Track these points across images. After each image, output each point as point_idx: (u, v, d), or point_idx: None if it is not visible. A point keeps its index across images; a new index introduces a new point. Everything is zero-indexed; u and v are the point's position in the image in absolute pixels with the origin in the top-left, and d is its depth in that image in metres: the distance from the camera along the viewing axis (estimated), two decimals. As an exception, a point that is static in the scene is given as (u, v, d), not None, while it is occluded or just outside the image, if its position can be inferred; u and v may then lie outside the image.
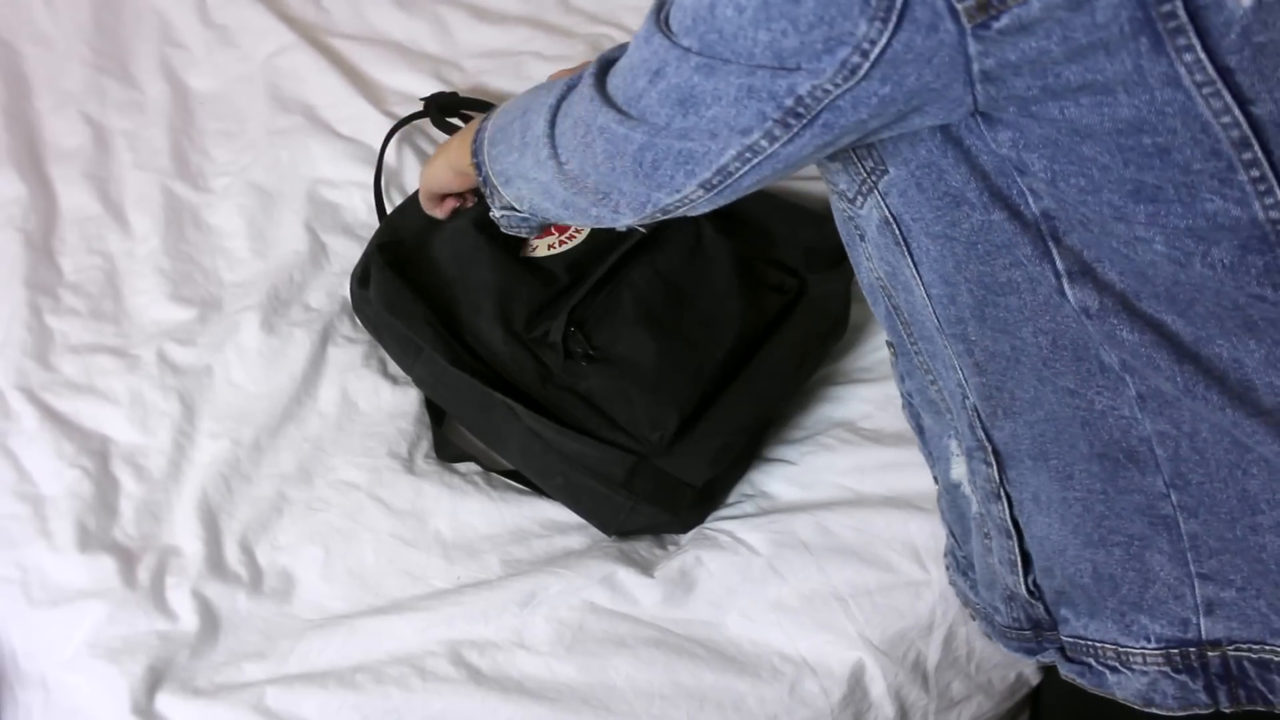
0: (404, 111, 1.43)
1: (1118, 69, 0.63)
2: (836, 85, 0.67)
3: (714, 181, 0.75)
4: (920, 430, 0.95)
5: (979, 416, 0.82)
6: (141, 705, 1.04)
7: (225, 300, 1.33)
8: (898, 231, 0.77)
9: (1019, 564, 0.86)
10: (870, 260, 0.83)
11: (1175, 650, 0.80)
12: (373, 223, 1.37)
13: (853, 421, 1.21)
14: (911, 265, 0.78)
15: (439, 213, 1.22)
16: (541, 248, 1.24)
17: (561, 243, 1.24)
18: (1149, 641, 0.81)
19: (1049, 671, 1.16)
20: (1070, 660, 0.87)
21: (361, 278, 1.26)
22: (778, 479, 1.18)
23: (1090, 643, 0.84)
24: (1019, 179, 0.70)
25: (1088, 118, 0.65)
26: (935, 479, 0.96)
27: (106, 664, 1.06)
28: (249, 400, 1.24)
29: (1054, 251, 0.72)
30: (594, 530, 1.16)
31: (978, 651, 1.11)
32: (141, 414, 1.23)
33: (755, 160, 0.73)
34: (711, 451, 1.13)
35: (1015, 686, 1.16)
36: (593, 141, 0.79)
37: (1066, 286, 0.72)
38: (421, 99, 1.40)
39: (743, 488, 1.19)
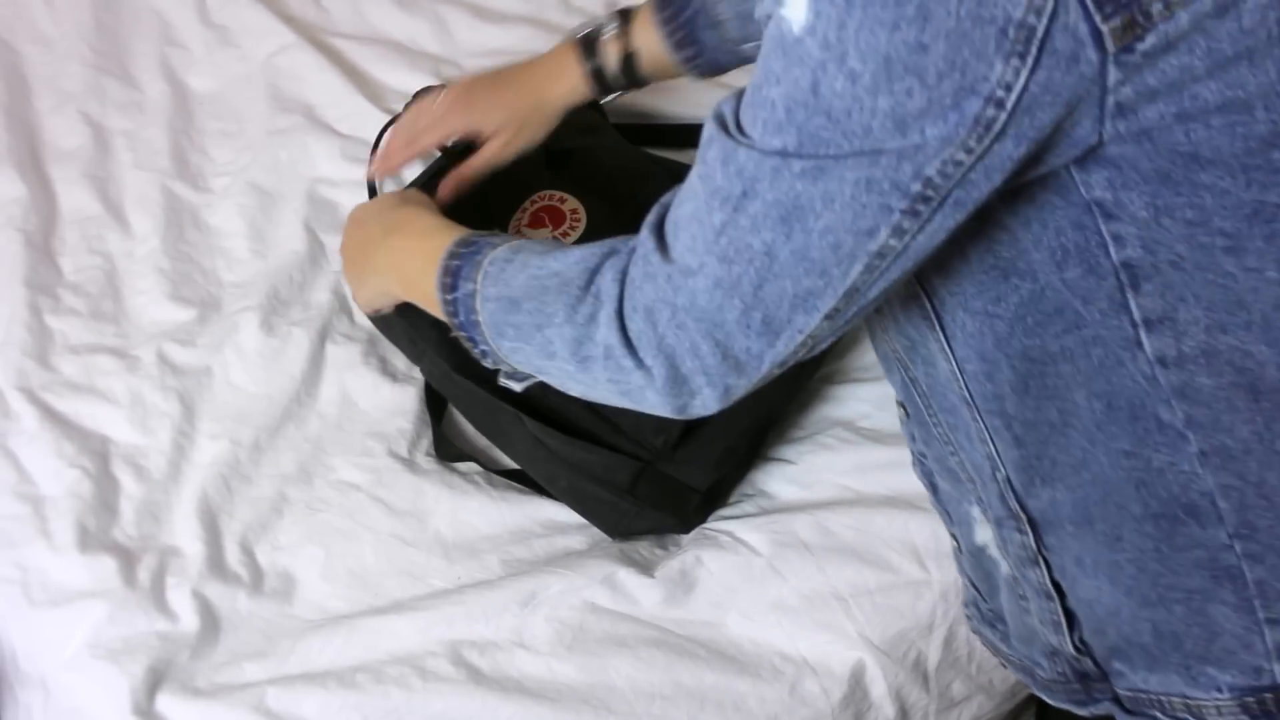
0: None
1: (1260, 80, 0.61)
2: (969, 152, 0.60)
3: (839, 307, 0.66)
4: (934, 489, 0.91)
5: (1012, 488, 0.78)
6: (142, 705, 1.04)
7: (225, 300, 1.33)
8: (929, 307, 0.73)
9: (1063, 624, 0.83)
10: (886, 333, 0.79)
11: (1251, 699, 0.77)
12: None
13: (853, 421, 1.21)
14: (942, 341, 0.74)
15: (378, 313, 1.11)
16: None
17: (556, 238, 1.23)
18: (1221, 692, 0.78)
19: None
20: (1130, 712, 0.83)
21: None
22: (778, 479, 1.18)
23: (1154, 695, 0.81)
24: (1103, 226, 0.66)
25: (1217, 139, 0.62)
26: (953, 536, 0.92)
27: (107, 664, 1.06)
28: (249, 400, 1.24)
29: (1131, 302, 0.68)
30: (594, 530, 1.16)
31: (978, 652, 1.11)
32: (141, 414, 1.23)
33: (884, 265, 0.64)
34: (715, 455, 1.13)
35: (1016, 687, 1.16)
36: (684, 324, 0.68)
37: (1144, 336, 0.68)
38: (415, 93, 1.39)
39: (743, 487, 1.19)
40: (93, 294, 1.34)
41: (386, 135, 1.26)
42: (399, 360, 1.27)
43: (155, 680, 1.05)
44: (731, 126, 0.65)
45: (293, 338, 1.27)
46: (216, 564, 1.13)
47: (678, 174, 1.28)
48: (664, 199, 0.72)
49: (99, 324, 1.31)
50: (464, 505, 1.16)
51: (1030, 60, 0.58)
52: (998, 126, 0.59)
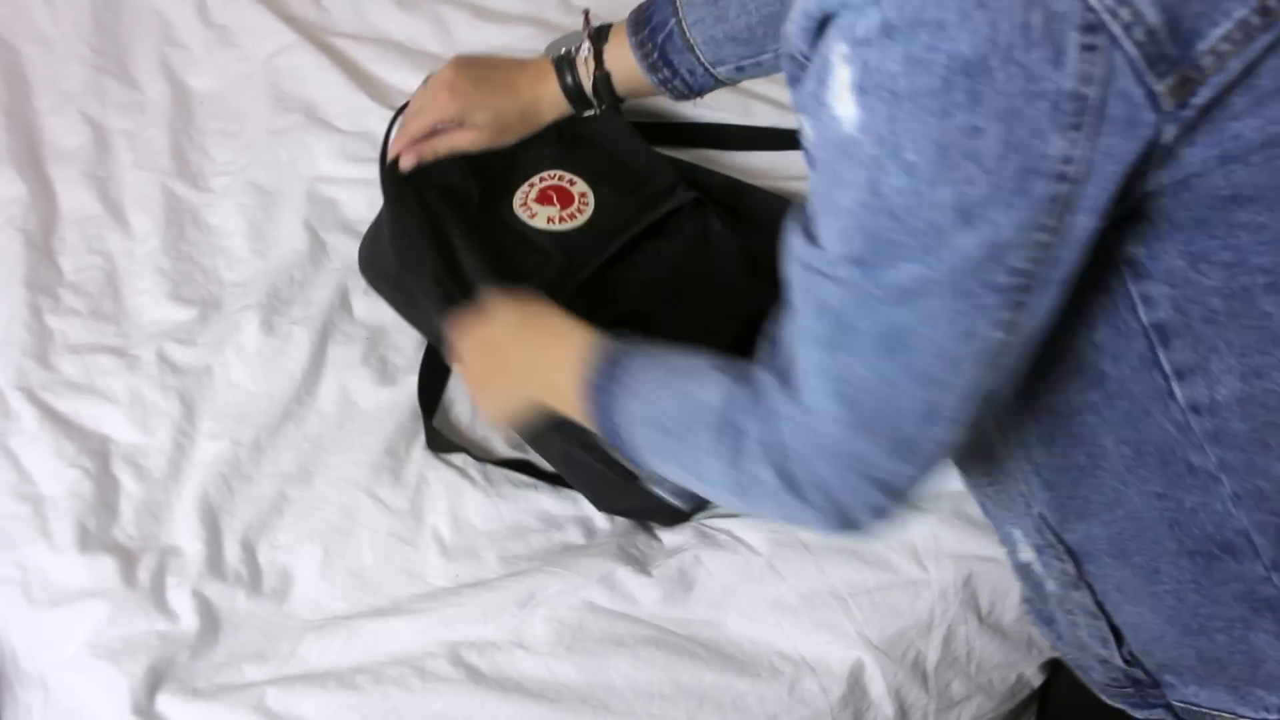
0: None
1: None
2: (1049, 231, 0.59)
3: (967, 409, 0.65)
4: (983, 506, 0.90)
5: (1046, 523, 0.78)
6: (142, 705, 1.04)
7: (225, 300, 1.33)
8: None
9: (1111, 640, 0.82)
10: None
11: None
12: (372, 218, 1.37)
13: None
14: None
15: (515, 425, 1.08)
16: (541, 218, 1.24)
17: (562, 219, 1.24)
18: (1270, 713, 0.77)
19: (1055, 671, 1.16)
20: None
21: (374, 237, 1.27)
22: (777, 478, 1.18)
23: (1205, 710, 0.80)
24: (1133, 287, 0.65)
25: (1257, 176, 0.61)
26: (1002, 543, 0.91)
27: (107, 664, 1.06)
28: (249, 400, 1.24)
29: (1162, 358, 0.67)
30: (592, 526, 1.16)
31: (977, 651, 1.11)
32: (141, 414, 1.23)
33: (1001, 357, 0.63)
34: None
35: (1016, 688, 1.16)
36: (830, 462, 0.68)
37: (1176, 386, 0.68)
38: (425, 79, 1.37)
39: (743, 487, 1.19)
40: (93, 294, 1.34)
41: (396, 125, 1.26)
42: (399, 360, 1.28)
43: (155, 680, 1.05)
44: (802, 244, 0.64)
45: (293, 337, 1.28)
46: (216, 564, 1.13)
47: (683, 171, 1.29)
48: (772, 333, 0.71)
49: (99, 324, 1.31)
50: (461, 503, 1.16)
51: (1087, 130, 0.57)
52: (1068, 200, 0.58)
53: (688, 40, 1.08)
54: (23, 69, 1.55)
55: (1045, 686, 1.19)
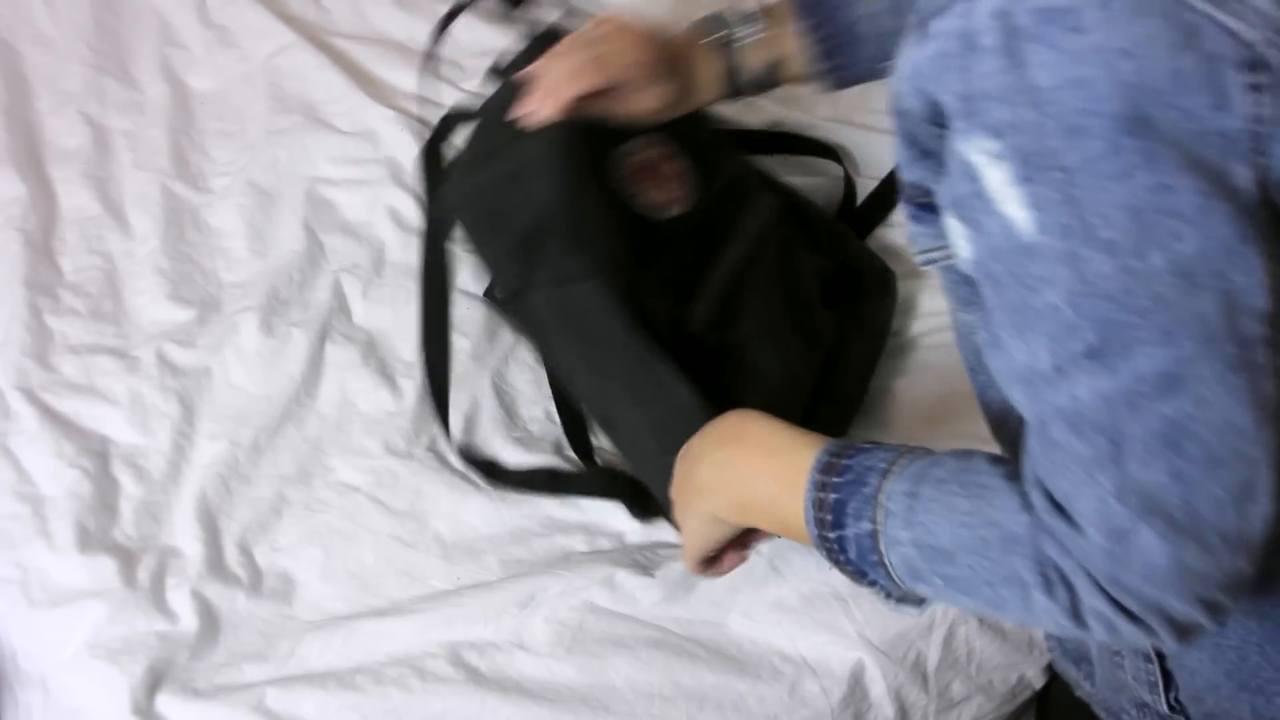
0: (409, 107, 1.43)
1: None
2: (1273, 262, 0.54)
3: (1277, 473, 0.58)
4: None
5: None
6: (141, 706, 1.04)
7: (224, 301, 1.33)
8: None
9: (1160, 685, 0.79)
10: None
11: None
12: (371, 220, 1.37)
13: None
14: None
15: (716, 572, 0.91)
16: (640, 202, 1.12)
17: (660, 206, 1.13)
18: None
19: (1057, 673, 1.16)
20: None
21: (502, 187, 1.09)
22: (778, 479, 1.18)
23: None
24: None
25: None
26: None
27: (106, 664, 1.06)
28: (248, 401, 1.24)
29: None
30: (594, 529, 1.16)
31: (978, 652, 1.11)
32: (141, 415, 1.23)
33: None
34: None
35: (1017, 689, 1.16)
36: (1155, 583, 0.60)
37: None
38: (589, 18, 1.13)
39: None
40: (93, 294, 1.34)
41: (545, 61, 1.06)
42: (398, 360, 1.27)
43: (155, 680, 1.05)
44: (1023, 368, 0.60)
45: (292, 338, 1.28)
46: (216, 564, 1.13)
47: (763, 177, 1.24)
48: (1028, 472, 0.64)
49: (99, 324, 1.31)
50: (463, 505, 1.16)
51: (1264, 155, 0.54)
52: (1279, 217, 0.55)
53: (856, 35, 1.02)
54: (23, 69, 1.55)
55: (1046, 688, 1.19)
